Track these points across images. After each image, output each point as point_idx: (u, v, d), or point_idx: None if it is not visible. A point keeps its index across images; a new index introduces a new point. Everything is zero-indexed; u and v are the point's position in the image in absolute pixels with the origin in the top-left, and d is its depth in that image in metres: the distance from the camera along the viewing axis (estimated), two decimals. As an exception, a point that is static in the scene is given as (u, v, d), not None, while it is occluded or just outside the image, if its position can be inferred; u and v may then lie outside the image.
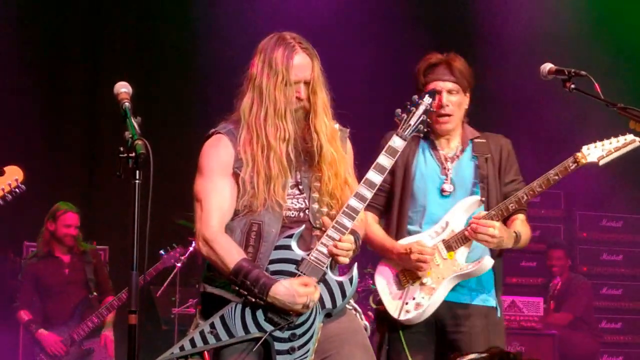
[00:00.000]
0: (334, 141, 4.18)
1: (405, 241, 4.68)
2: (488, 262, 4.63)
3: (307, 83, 4.12)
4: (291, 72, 4.07)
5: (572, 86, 4.56)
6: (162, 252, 8.08)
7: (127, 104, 3.80)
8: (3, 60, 8.98)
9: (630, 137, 4.66)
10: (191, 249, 8.04)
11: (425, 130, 4.28)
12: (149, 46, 9.61)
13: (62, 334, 7.93)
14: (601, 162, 4.69)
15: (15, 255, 9.02)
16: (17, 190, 3.90)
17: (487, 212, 4.63)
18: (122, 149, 3.64)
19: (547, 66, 4.63)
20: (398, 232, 4.73)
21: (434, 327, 4.69)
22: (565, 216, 9.68)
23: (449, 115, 4.69)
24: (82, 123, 9.48)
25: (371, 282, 7.63)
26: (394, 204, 4.76)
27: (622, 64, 9.53)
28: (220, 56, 8.94)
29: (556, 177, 4.64)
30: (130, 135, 3.65)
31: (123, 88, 3.84)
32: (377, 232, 4.75)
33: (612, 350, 9.46)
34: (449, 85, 4.68)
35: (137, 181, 3.63)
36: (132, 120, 3.72)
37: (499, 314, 4.81)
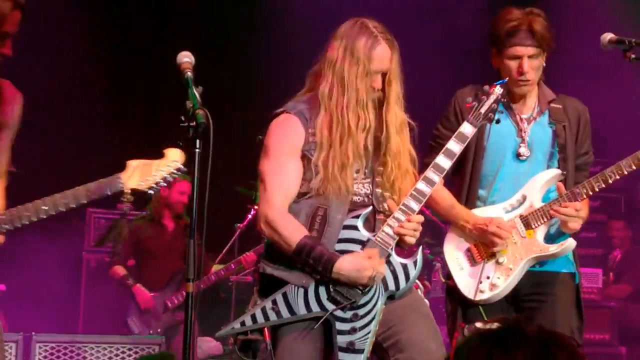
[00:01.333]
0: (402, 132, 4.19)
1: (482, 212, 4.59)
2: (572, 243, 4.52)
3: (384, 74, 4.11)
4: (373, 62, 4.06)
5: (633, 56, 4.52)
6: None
7: (189, 73, 3.81)
8: (69, 40, 9.04)
9: None
10: (250, 216, 8.05)
11: (497, 120, 4.27)
12: (213, 16, 9.62)
13: (156, 300, 8.02)
14: None
15: (79, 222, 9.12)
16: (178, 172, 3.92)
17: (571, 191, 4.48)
18: (182, 118, 3.65)
19: (608, 36, 4.57)
20: (469, 196, 4.64)
21: (510, 297, 4.56)
22: (625, 187, 9.57)
23: (528, 80, 4.55)
24: (144, 93, 9.52)
25: (428, 251, 7.60)
26: (467, 165, 4.61)
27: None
28: (282, 29, 8.93)
29: None
30: (192, 105, 3.66)
31: (185, 58, 3.85)
32: (447, 197, 4.61)
33: (673, 322, 9.40)
34: (531, 50, 4.52)
35: (197, 150, 3.64)
36: (194, 90, 3.73)
37: (577, 280, 4.70)
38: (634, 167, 4.51)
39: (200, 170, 3.64)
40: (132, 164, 3.86)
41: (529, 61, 4.53)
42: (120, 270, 8.10)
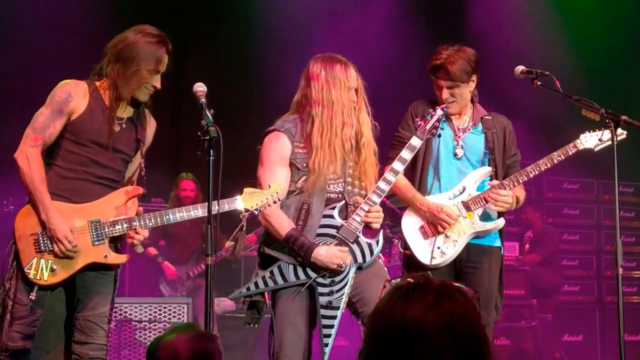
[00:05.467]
0: (369, 131, 4.24)
1: (432, 199, 4.62)
2: (502, 221, 4.64)
3: (356, 90, 4.18)
4: (350, 80, 4.14)
5: (539, 83, 4.54)
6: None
7: (203, 99, 3.83)
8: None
9: (619, 130, 4.48)
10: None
11: (438, 134, 4.33)
12: (223, 56, 9.54)
13: (180, 271, 8.05)
14: (596, 149, 4.63)
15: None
16: (274, 201, 3.96)
17: (501, 182, 4.57)
18: (199, 133, 3.67)
19: (520, 68, 4.62)
20: (420, 184, 4.65)
21: (453, 264, 4.62)
22: (534, 180, 9.56)
23: (449, 102, 4.58)
24: (171, 114, 9.41)
25: (388, 231, 7.60)
26: (419, 161, 4.63)
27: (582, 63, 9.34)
28: (273, 64, 8.89)
29: (560, 158, 4.59)
30: (205, 123, 3.69)
31: (200, 87, 3.87)
32: (407, 186, 4.63)
33: (570, 281, 9.44)
34: (448, 83, 4.57)
35: (211, 158, 3.68)
36: (207, 112, 3.75)
37: (502, 252, 4.77)
38: (549, 165, 4.60)
39: (214, 171, 3.68)
40: (248, 190, 3.95)
41: (447, 90, 4.58)
42: (152, 250, 8.11)
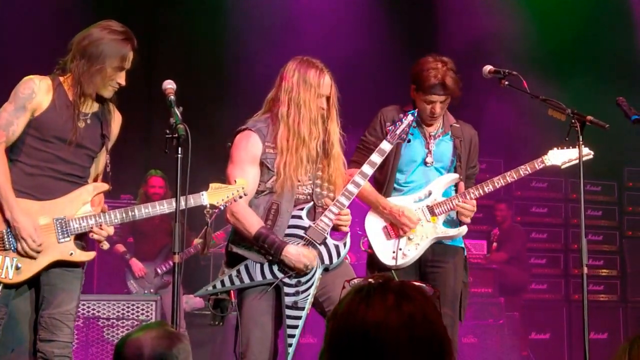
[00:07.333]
0: (338, 142, 4.25)
1: (396, 201, 4.63)
2: (464, 229, 4.66)
3: (327, 98, 4.17)
4: (322, 87, 4.12)
5: (506, 83, 4.56)
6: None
7: (172, 97, 3.82)
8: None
9: (586, 150, 4.55)
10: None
11: (407, 140, 4.34)
12: (192, 54, 9.49)
13: (149, 267, 8.05)
14: (563, 166, 4.68)
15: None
16: (240, 196, 3.92)
17: (467, 191, 4.59)
18: (167, 131, 3.66)
19: (488, 67, 4.64)
20: (387, 189, 4.67)
21: (418, 264, 4.64)
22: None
23: (437, 117, 4.62)
24: (141, 112, 9.34)
25: (358, 229, 7.60)
26: (388, 166, 4.63)
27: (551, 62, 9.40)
28: (244, 62, 8.88)
29: (526, 172, 4.62)
30: (174, 121, 3.68)
31: (169, 85, 3.86)
32: (370, 189, 4.65)
33: (538, 279, 9.51)
34: (443, 98, 4.56)
35: (179, 155, 3.67)
36: (176, 109, 3.74)
37: (465, 253, 4.82)
38: (515, 178, 4.64)
39: (182, 169, 3.67)
40: (213, 185, 3.93)
41: (440, 104, 4.58)
42: (120, 247, 8.09)
